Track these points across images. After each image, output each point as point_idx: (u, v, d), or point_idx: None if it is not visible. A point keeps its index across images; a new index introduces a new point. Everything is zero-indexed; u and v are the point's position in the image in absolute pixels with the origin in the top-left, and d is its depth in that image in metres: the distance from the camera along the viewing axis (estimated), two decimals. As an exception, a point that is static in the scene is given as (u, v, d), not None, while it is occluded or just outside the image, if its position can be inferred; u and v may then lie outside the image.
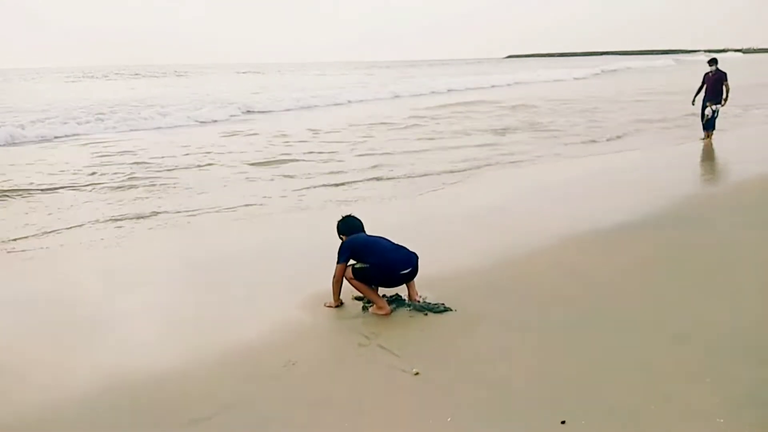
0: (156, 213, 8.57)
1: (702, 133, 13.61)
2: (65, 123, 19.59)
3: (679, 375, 3.71)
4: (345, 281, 4.87)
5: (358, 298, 5.07)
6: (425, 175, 10.87)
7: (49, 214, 8.61)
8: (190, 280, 5.92)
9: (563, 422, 3.26)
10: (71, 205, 9.15)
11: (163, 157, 13.34)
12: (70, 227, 7.89)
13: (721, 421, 3.20)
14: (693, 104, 14.03)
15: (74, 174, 11.59)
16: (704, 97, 13.59)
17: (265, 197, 9.44)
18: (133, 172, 11.61)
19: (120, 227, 7.87)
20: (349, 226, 5.14)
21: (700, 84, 13.82)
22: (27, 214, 8.69)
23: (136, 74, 74.27)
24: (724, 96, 13.33)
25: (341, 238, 5.11)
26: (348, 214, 5.27)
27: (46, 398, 3.81)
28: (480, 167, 11.50)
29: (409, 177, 10.71)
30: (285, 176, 11.11)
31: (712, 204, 8.07)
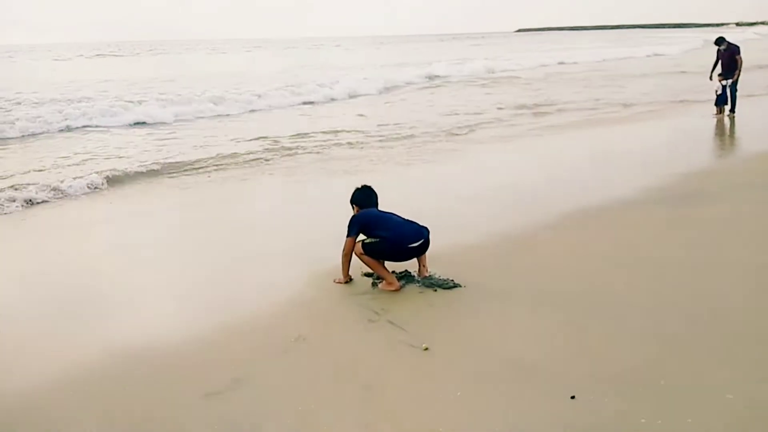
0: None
1: (714, 109, 13.42)
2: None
3: (690, 350, 3.71)
4: (354, 257, 4.88)
5: (367, 275, 5.08)
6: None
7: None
8: (201, 251, 5.96)
9: (573, 397, 3.28)
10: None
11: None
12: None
13: (731, 396, 3.21)
14: (710, 80, 13.80)
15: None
16: (719, 72, 13.38)
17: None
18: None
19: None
20: (365, 196, 5.11)
21: (714, 60, 13.60)
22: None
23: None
24: (738, 70, 13.10)
25: (353, 207, 5.09)
26: (366, 184, 5.22)
27: (59, 368, 3.86)
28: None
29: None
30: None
31: (717, 179, 7.98)
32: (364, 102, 19.97)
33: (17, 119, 14.83)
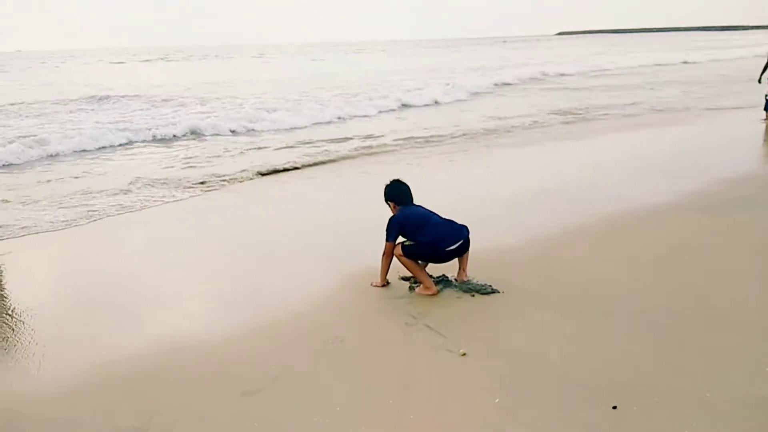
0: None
1: (763, 114, 12.98)
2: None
3: (734, 360, 3.60)
4: (394, 258, 4.87)
5: (405, 278, 5.07)
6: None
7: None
8: (240, 250, 6.04)
9: (615, 407, 3.21)
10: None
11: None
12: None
13: (781, 411, 3.10)
14: (759, 82, 13.37)
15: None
16: None
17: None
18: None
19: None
20: (397, 191, 5.02)
21: (765, 63, 13.16)
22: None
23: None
24: None
25: (388, 204, 5.07)
26: (396, 178, 5.14)
27: (94, 365, 3.95)
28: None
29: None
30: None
31: (760, 187, 7.72)
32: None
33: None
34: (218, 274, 5.54)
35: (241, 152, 12.04)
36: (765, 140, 11.61)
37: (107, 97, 22.44)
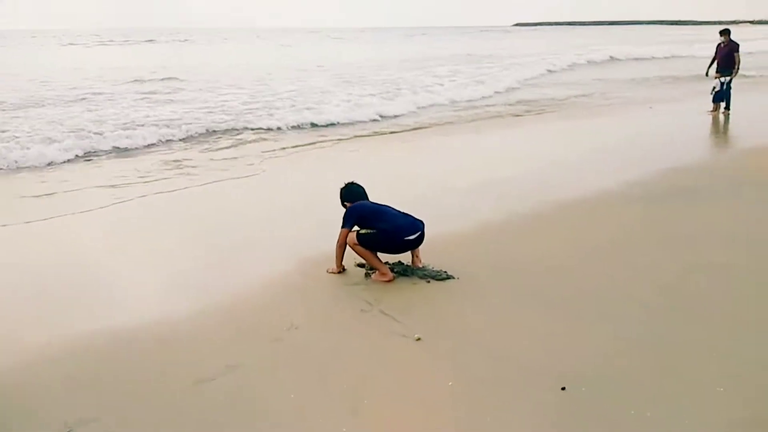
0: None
1: (711, 105, 13.40)
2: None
3: (679, 344, 3.74)
4: (348, 247, 4.88)
5: (360, 265, 5.08)
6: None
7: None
8: (193, 238, 5.95)
9: (563, 389, 3.30)
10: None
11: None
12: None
13: (721, 390, 3.23)
14: (706, 75, 13.79)
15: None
16: (716, 68, 13.35)
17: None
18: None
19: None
20: (352, 193, 5.13)
21: (713, 56, 13.57)
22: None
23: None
24: (734, 67, 13.09)
25: (344, 206, 5.10)
26: (351, 181, 5.23)
27: (40, 356, 3.84)
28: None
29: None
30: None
31: (706, 176, 7.98)
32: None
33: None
34: (168, 261, 5.44)
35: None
36: (711, 132, 12.01)
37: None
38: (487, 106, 16.01)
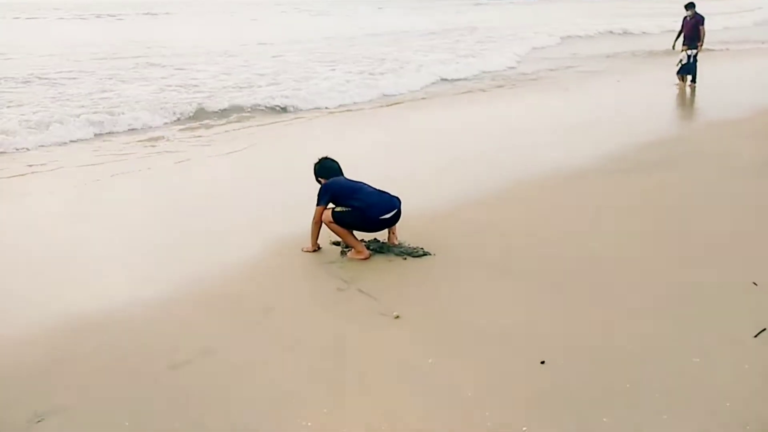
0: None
1: (676, 78, 13.54)
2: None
3: (656, 315, 3.78)
4: (324, 225, 4.80)
5: (336, 243, 5.01)
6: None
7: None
8: (163, 220, 5.81)
9: (543, 362, 3.31)
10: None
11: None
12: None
13: (697, 360, 3.28)
14: (673, 49, 13.91)
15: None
16: (683, 41, 13.47)
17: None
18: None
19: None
20: (326, 168, 5.02)
21: (679, 29, 13.68)
22: None
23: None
24: (700, 40, 13.23)
25: (319, 181, 5.01)
26: (324, 156, 5.11)
27: (3, 346, 3.72)
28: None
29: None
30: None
31: (675, 149, 8.08)
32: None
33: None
34: (138, 242, 5.29)
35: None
36: (678, 104, 12.16)
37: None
38: (458, 80, 15.92)
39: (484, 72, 17.14)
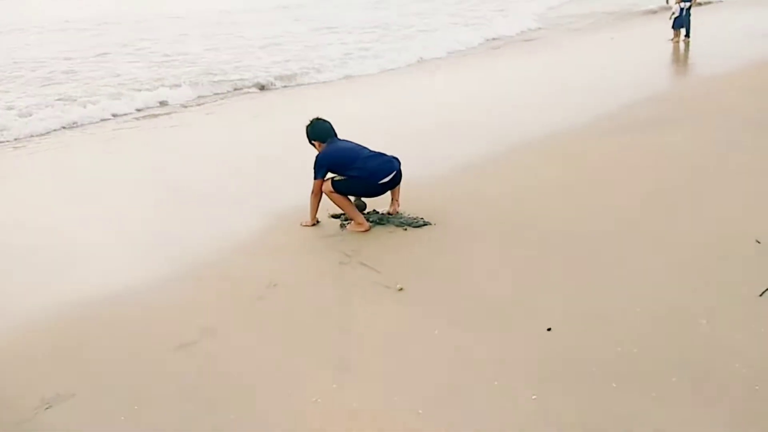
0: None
1: (671, 33, 13.37)
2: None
3: (661, 278, 3.77)
4: (323, 196, 4.74)
5: (335, 216, 4.97)
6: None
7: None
8: (158, 193, 5.75)
9: (549, 329, 3.30)
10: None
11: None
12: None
13: (704, 322, 3.28)
14: (667, 2, 13.71)
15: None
16: None
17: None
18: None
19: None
20: (319, 130, 4.84)
21: None
22: None
23: None
24: None
25: (312, 144, 4.90)
26: (316, 117, 4.94)
27: (12, 328, 3.71)
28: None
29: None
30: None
31: (671, 106, 8.02)
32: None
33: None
34: (137, 222, 5.25)
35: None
36: (673, 60, 12.03)
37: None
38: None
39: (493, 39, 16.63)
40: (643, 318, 3.36)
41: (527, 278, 3.89)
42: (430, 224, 4.74)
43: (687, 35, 13.20)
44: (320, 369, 3.14)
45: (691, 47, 12.74)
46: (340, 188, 4.65)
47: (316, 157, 4.77)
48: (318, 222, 4.89)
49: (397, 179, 4.77)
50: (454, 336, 3.33)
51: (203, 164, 6.84)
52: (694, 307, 3.42)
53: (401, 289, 3.84)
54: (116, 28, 21.46)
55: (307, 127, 4.89)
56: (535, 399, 2.81)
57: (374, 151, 4.77)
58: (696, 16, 13.27)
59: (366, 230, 4.71)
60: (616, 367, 2.98)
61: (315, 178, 4.70)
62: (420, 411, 2.79)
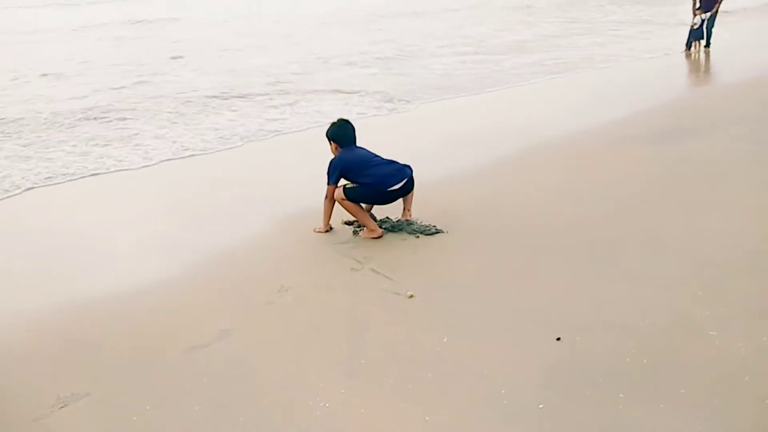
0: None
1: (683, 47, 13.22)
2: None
3: (671, 288, 3.76)
4: (336, 203, 4.79)
5: (348, 223, 5.01)
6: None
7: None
8: (170, 198, 5.84)
9: (558, 339, 3.31)
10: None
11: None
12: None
13: (714, 333, 3.27)
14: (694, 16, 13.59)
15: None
16: (697, 6, 13.13)
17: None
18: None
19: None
20: (341, 132, 4.86)
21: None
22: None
23: None
24: (715, 9, 12.88)
25: (329, 142, 4.93)
26: (342, 118, 4.98)
27: (28, 329, 3.77)
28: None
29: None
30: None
31: (690, 115, 7.96)
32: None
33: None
34: (149, 227, 5.31)
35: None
36: (691, 70, 11.95)
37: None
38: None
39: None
40: (652, 328, 3.36)
41: (539, 286, 3.90)
42: (443, 232, 4.76)
43: (707, 45, 13.08)
44: (329, 374, 3.17)
45: (711, 57, 12.65)
46: (351, 195, 4.70)
47: (330, 162, 4.82)
48: (331, 228, 4.93)
49: (408, 187, 4.80)
50: (463, 344, 3.35)
51: (215, 166, 6.91)
52: (704, 318, 3.41)
53: (412, 296, 3.87)
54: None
55: (332, 124, 4.92)
56: (542, 408, 2.82)
57: (386, 159, 4.82)
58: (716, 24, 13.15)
59: (379, 236, 4.74)
60: (623, 377, 2.98)
61: (328, 183, 4.75)
62: (427, 418, 2.81)
